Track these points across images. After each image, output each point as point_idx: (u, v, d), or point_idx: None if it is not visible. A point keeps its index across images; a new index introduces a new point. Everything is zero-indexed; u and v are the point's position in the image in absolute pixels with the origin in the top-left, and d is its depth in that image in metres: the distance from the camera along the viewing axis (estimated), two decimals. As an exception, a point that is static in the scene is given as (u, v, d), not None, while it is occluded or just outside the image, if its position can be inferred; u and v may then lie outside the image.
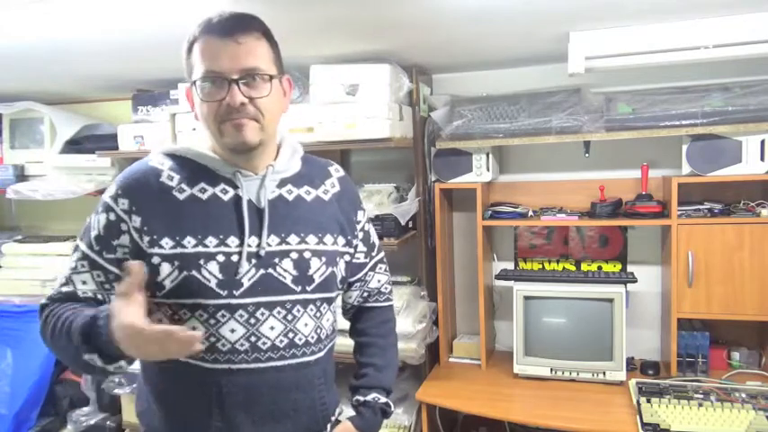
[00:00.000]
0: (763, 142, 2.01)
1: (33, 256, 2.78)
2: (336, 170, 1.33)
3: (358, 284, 1.39)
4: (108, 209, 1.12)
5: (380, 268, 1.44)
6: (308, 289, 1.18)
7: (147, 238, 1.09)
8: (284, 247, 1.16)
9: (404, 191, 2.41)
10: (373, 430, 1.33)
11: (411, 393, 2.29)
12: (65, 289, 1.14)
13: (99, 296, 1.14)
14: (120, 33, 1.78)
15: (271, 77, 1.12)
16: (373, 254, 1.41)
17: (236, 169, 1.15)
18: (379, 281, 1.43)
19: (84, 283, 1.13)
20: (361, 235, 1.34)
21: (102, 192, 2.62)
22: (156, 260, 1.09)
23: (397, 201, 2.36)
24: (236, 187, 1.15)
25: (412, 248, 2.38)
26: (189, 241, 1.10)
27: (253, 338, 1.12)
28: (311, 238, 1.19)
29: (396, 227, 2.21)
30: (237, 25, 1.09)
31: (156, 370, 1.18)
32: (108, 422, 2.65)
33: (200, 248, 1.10)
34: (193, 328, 1.09)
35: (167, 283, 1.09)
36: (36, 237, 2.95)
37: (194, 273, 1.09)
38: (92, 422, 2.65)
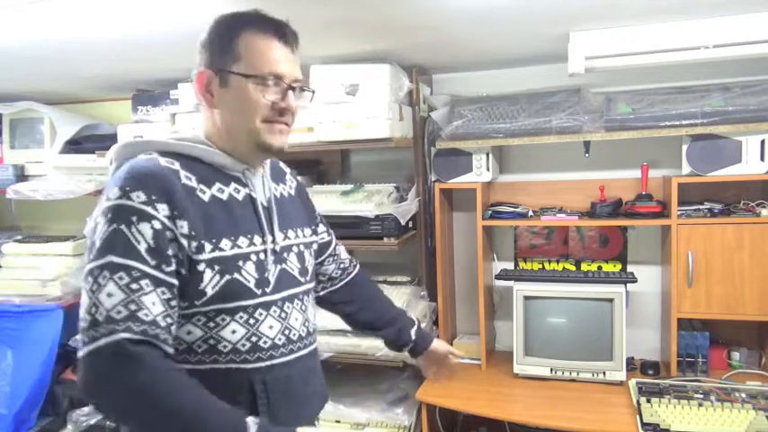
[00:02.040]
0: (763, 142, 2.01)
1: (33, 256, 2.77)
2: (286, 166, 1.40)
3: (331, 258, 1.50)
4: (148, 217, 0.99)
5: (339, 242, 1.57)
6: (308, 279, 1.27)
7: (194, 244, 1.04)
8: (288, 242, 1.22)
9: (404, 191, 2.41)
10: None
11: (411, 393, 2.28)
12: (144, 316, 0.96)
13: (169, 320, 1.00)
14: (120, 33, 1.78)
15: (311, 92, 1.21)
16: (331, 230, 1.53)
17: (244, 167, 1.17)
18: (345, 252, 1.57)
19: (153, 304, 0.98)
20: (318, 218, 1.47)
21: (102, 191, 2.64)
22: (201, 267, 1.05)
23: (397, 201, 2.36)
24: (243, 185, 1.17)
25: (412, 248, 2.38)
26: (225, 244, 1.09)
27: (287, 332, 1.17)
28: (299, 232, 1.28)
29: (396, 227, 2.21)
30: (293, 35, 1.15)
31: None
32: (108, 422, 2.65)
33: (236, 250, 1.10)
34: (233, 332, 1.09)
35: (209, 290, 1.05)
36: (36, 237, 2.94)
37: (236, 275, 1.09)
38: (92, 422, 2.64)
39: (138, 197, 1.00)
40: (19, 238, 2.93)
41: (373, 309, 1.55)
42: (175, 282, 1.02)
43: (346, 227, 2.13)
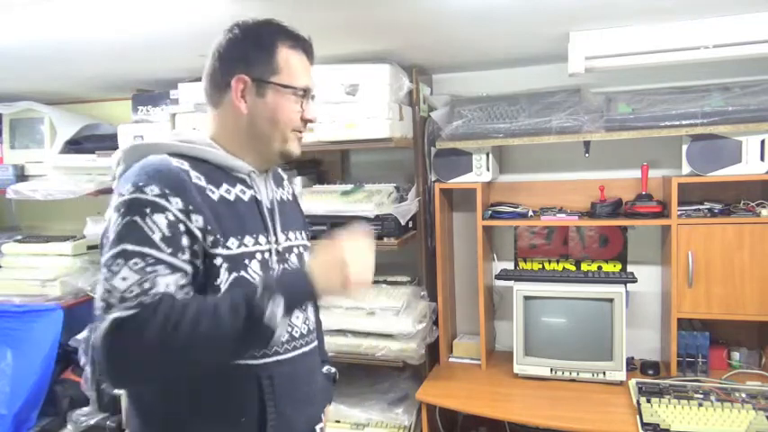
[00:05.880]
0: (763, 142, 2.01)
1: (33, 256, 2.78)
2: (284, 172, 1.43)
3: None
4: (161, 209, 1.01)
5: None
6: None
7: (210, 238, 1.05)
8: (288, 243, 1.25)
9: (404, 191, 2.41)
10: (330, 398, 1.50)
11: (411, 393, 2.29)
12: (156, 290, 0.96)
13: None
14: (120, 33, 1.78)
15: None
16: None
17: (250, 170, 1.19)
18: None
19: (167, 286, 0.98)
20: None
21: (103, 192, 2.65)
22: (218, 261, 1.07)
23: (397, 201, 2.36)
24: (249, 187, 1.19)
25: (412, 248, 2.38)
26: (232, 242, 1.10)
27: (289, 328, 1.20)
28: (299, 234, 1.31)
29: (396, 227, 2.21)
30: (312, 51, 1.24)
31: (188, 385, 1.10)
32: (108, 422, 2.65)
33: (242, 249, 1.12)
34: None
35: (222, 287, 1.07)
36: (36, 237, 2.95)
37: (243, 273, 1.11)
38: (92, 422, 2.65)
39: (152, 191, 1.02)
40: (19, 238, 2.93)
41: None
42: (190, 270, 1.03)
43: (346, 227, 2.13)
